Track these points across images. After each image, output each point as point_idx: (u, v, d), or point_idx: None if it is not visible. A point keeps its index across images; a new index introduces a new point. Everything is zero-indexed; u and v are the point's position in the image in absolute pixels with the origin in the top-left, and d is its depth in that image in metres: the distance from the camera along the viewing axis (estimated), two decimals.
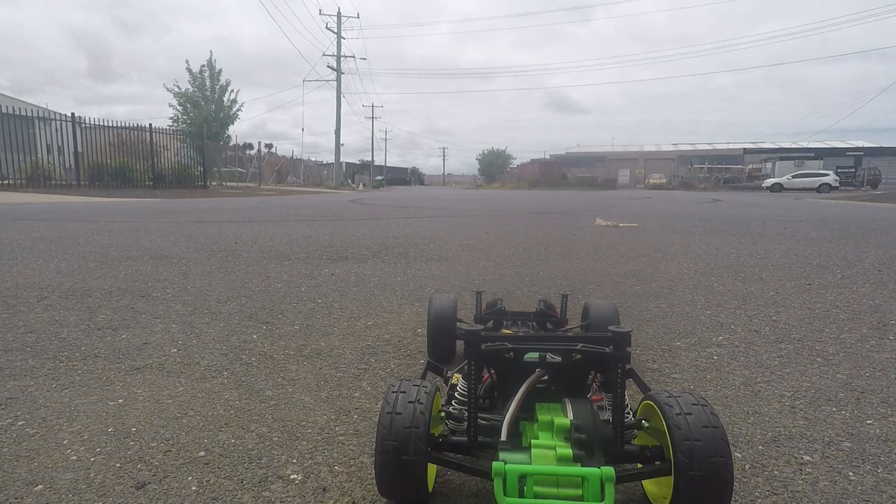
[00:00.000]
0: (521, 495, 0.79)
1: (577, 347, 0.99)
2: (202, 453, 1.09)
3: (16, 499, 0.93)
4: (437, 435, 0.94)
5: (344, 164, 49.00)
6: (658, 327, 2.06)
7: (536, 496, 0.78)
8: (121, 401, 1.34)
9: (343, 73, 38.62)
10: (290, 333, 1.95)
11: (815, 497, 0.95)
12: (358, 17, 47.57)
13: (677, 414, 0.83)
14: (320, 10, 45.94)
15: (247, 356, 1.69)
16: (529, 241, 5.01)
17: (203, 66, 24.45)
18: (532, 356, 1.02)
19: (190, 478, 1.00)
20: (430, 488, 0.92)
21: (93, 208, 9.60)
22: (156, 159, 18.97)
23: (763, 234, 5.71)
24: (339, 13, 38.04)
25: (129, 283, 2.81)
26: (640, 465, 0.90)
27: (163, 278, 2.97)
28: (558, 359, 1.02)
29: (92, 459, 1.06)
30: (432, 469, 0.95)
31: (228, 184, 25.25)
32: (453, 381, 1.17)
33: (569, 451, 0.83)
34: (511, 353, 1.01)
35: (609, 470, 0.78)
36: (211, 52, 31.45)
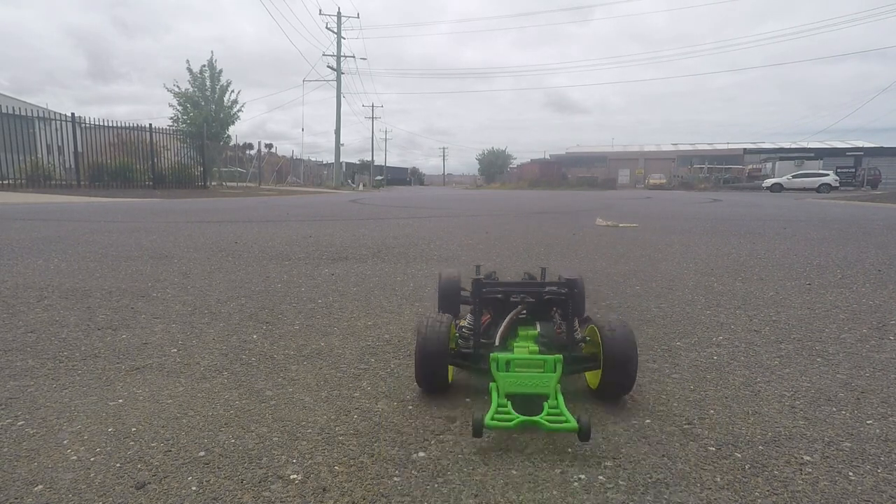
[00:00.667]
0: (508, 371, 1.27)
1: (545, 290, 1.58)
2: (202, 453, 1.09)
3: (16, 499, 0.93)
4: (452, 349, 1.39)
5: (344, 164, 49.00)
6: (658, 327, 2.06)
7: (517, 371, 1.27)
8: (121, 401, 1.34)
9: (343, 73, 38.63)
10: (290, 333, 1.95)
11: (815, 497, 0.95)
12: (358, 17, 47.66)
13: (605, 322, 1.35)
14: (320, 10, 45.95)
15: (247, 356, 1.69)
16: (529, 242, 5.01)
17: (203, 66, 24.47)
18: (515, 299, 1.57)
19: (190, 478, 1.00)
20: (451, 380, 1.39)
21: (93, 208, 9.60)
22: (156, 159, 18.97)
23: (763, 234, 5.71)
24: (339, 13, 38.05)
25: (129, 283, 2.81)
26: (590, 377, 1.41)
27: (163, 278, 2.97)
28: (532, 299, 1.57)
29: (92, 459, 1.06)
30: (451, 369, 1.38)
31: (228, 184, 25.26)
32: (461, 323, 1.66)
33: (536, 348, 1.38)
34: (501, 296, 1.58)
35: (559, 356, 1.29)
36: (212, 52, 31.42)
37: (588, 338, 1.44)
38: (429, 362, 1.32)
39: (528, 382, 1.23)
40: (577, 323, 1.57)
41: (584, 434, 1.05)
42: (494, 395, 1.20)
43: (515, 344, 1.41)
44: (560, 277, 1.61)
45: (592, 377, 1.39)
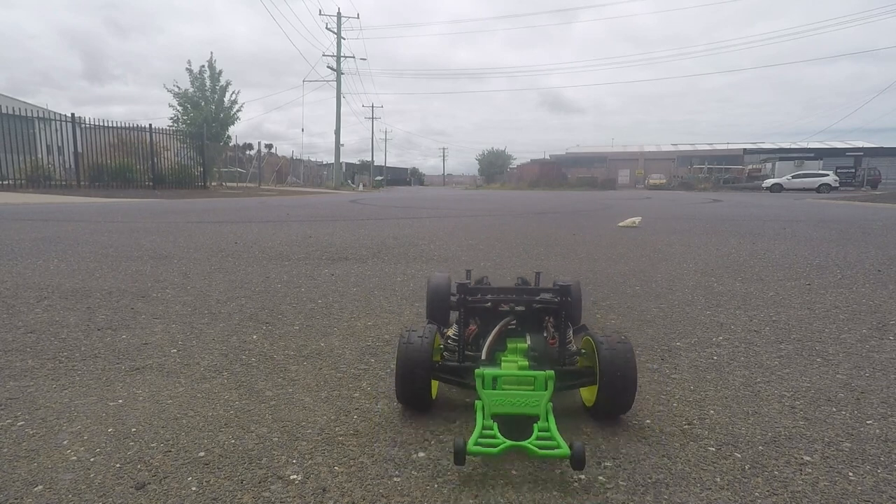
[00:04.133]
0: (494, 388, 1.17)
1: (536, 298, 1.45)
2: (202, 454, 1.09)
3: (16, 499, 0.93)
4: (437, 361, 1.31)
5: (344, 165, 49.01)
6: (658, 328, 2.06)
7: (504, 388, 1.17)
8: (121, 401, 1.34)
9: (343, 74, 38.63)
10: (290, 334, 1.95)
11: (814, 497, 0.95)
12: (358, 17, 47.63)
13: (601, 337, 1.25)
14: (320, 11, 45.99)
15: (247, 356, 1.69)
16: (529, 242, 5.01)
17: (203, 66, 24.48)
18: (504, 308, 1.47)
19: (190, 478, 1.00)
20: (434, 396, 1.33)
21: (93, 209, 9.60)
22: (156, 160, 18.96)
23: (763, 235, 5.71)
24: (339, 13, 38.05)
25: (128, 284, 2.81)
26: (585, 395, 1.32)
27: (163, 279, 2.97)
28: (522, 308, 1.46)
29: (92, 460, 1.06)
30: (435, 384, 1.32)
31: (228, 184, 25.25)
32: (448, 332, 1.58)
33: (526, 363, 1.28)
34: (489, 304, 1.47)
35: (550, 372, 1.18)
36: (211, 52, 31.47)
37: (583, 350, 1.36)
38: (410, 377, 1.22)
39: (516, 402, 1.13)
40: (571, 332, 1.52)
41: (576, 462, 0.97)
42: (479, 415, 1.10)
43: (503, 358, 1.31)
44: (554, 283, 1.52)
45: (588, 393, 1.30)
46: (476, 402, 1.14)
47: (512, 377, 1.19)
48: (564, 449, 0.99)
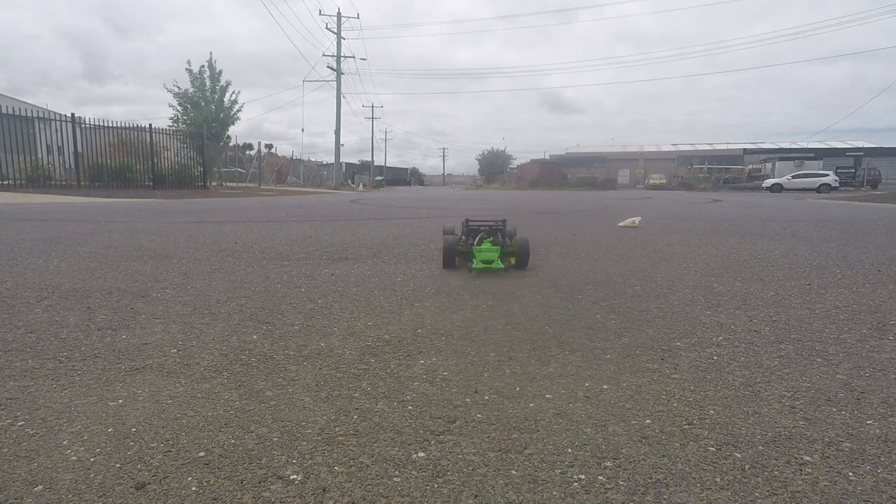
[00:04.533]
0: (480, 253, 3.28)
1: (495, 224, 3.74)
2: (202, 454, 1.09)
3: (15, 499, 0.93)
4: (459, 247, 3.47)
5: (344, 165, 48.99)
6: (658, 328, 2.06)
7: (482, 253, 3.23)
8: (121, 401, 1.34)
9: (343, 74, 38.62)
10: (290, 334, 1.95)
11: (814, 497, 0.95)
12: (358, 17, 47.59)
13: (519, 241, 3.40)
14: (320, 11, 45.97)
15: (247, 357, 1.69)
16: (529, 242, 5.00)
17: (203, 66, 24.46)
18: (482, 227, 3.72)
19: (190, 478, 1.00)
20: (457, 264, 3.43)
21: (93, 208, 9.60)
22: (156, 159, 18.96)
23: (763, 235, 5.71)
24: (339, 14, 38.05)
25: (128, 284, 2.81)
26: (511, 259, 3.45)
27: (163, 278, 2.97)
28: (490, 225, 3.72)
29: (92, 460, 1.06)
30: (456, 260, 3.47)
31: (228, 184, 25.25)
32: (461, 238, 3.67)
33: (490, 245, 3.35)
34: (475, 227, 3.73)
35: (499, 247, 3.32)
36: (211, 53, 31.50)
37: (511, 243, 3.46)
38: (448, 253, 3.34)
39: (487, 257, 3.18)
40: (509, 238, 3.61)
41: (503, 264, 3.22)
42: (475, 261, 3.20)
43: (481, 247, 3.29)
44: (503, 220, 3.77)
45: (513, 260, 3.40)
46: (472, 259, 3.26)
47: (486, 250, 3.23)
48: (502, 266, 3.20)
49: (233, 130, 26.78)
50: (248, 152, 32.39)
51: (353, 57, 44.61)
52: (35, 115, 17.35)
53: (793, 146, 55.76)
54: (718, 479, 1.01)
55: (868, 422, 1.26)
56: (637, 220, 6.96)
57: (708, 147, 63.15)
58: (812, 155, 39.66)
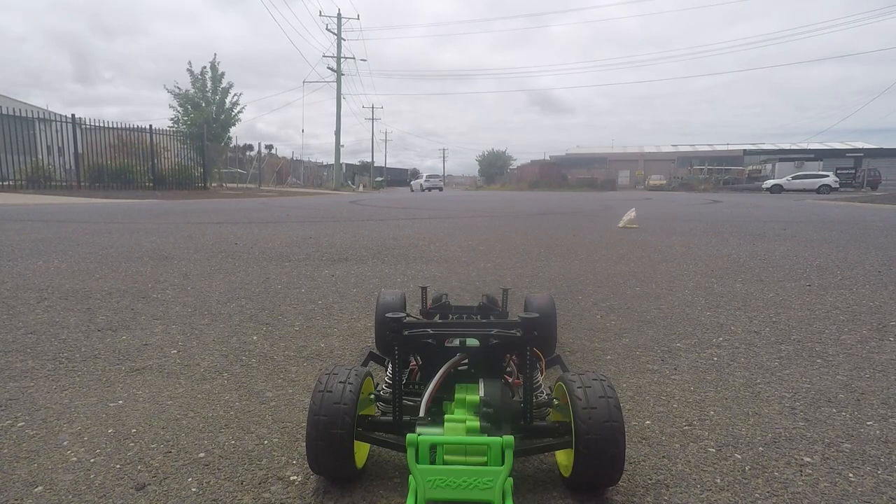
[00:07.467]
0: (433, 463, 0.86)
1: (493, 332, 1.06)
2: (202, 455, 1.09)
3: (16, 500, 0.93)
4: (367, 416, 1.01)
5: (344, 166, 49.03)
6: (658, 328, 2.06)
7: (446, 463, 0.85)
8: (121, 402, 1.34)
9: (343, 75, 38.66)
10: (291, 335, 1.95)
11: (815, 498, 0.95)
12: (358, 18, 47.65)
13: (578, 388, 0.93)
14: (321, 12, 46.03)
15: (247, 357, 1.69)
16: (529, 243, 5.01)
17: (205, 67, 24.50)
18: (454, 342, 1.11)
19: (190, 479, 1.00)
20: (361, 465, 0.99)
21: (93, 209, 9.61)
22: (156, 160, 18.97)
23: (763, 236, 5.71)
24: (339, 15, 38.09)
25: (129, 285, 2.81)
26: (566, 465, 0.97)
27: (163, 279, 2.97)
28: (477, 343, 1.10)
29: (92, 461, 1.06)
30: (364, 448, 1.02)
31: (228, 185, 25.26)
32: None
33: (476, 424, 0.92)
34: (432, 340, 1.08)
35: (509, 438, 0.85)
36: (215, 54, 31.52)
37: (556, 399, 1.04)
38: (325, 437, 0.90)
39: (461, 482, 0.81)
40: (541, 371, 1.22)
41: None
42: (411, 500, 0.81)
43: (447, 417, 0.96)
44: (521, 314, 1.03)
45: (564, 458, 0.98)
46: (409, 478, 0.83)
47: (457, 445, 0.88)
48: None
49: (233, 131, 26.81)
50: (248, 153, 32.42)
51: (353, 58, 44.65)
52: (35, 115, 17.36)
53: (793, 147, 55.79)
54: (718, 480, 1.01)
55: (868, 423, 1.26)
56: (632, 213, 6.96)
57: (708, 148, 63.23)
58: (812, 156, 39.70)
